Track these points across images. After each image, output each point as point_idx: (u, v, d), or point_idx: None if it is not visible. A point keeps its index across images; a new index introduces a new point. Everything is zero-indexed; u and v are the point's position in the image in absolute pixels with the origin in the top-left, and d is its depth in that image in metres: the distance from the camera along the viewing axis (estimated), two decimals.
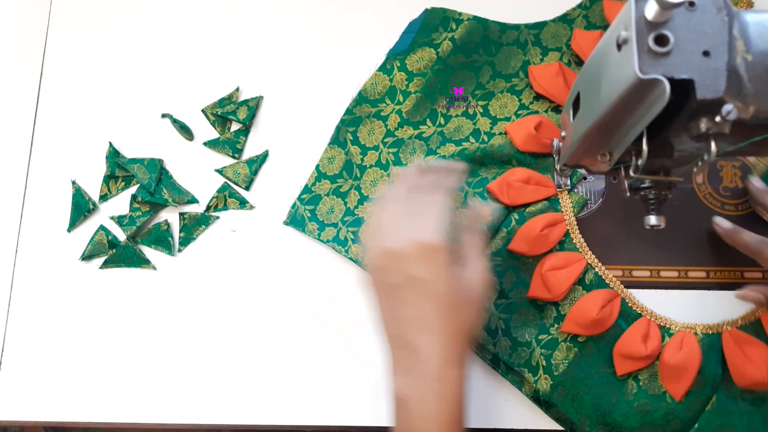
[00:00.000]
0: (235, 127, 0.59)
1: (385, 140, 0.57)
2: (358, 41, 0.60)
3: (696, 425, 0.50)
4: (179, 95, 0.60)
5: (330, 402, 0.53)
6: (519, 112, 0.57)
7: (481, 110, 0.57)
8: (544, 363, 0.51)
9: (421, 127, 0.57)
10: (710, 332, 0.52)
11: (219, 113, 0.58)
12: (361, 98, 0.57)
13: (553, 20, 0.58)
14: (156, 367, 0.54)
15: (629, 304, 0.52)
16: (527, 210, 0.54)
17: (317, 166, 0.57)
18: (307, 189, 0.57)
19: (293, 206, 0.56)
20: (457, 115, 0.57)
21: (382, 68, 0.58)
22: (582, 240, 0.54)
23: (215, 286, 0.55)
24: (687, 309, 0.53)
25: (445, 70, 0.57)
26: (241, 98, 0.59)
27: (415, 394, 0.40)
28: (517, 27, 0.58)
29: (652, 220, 0.44)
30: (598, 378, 0.51)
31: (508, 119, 0.57)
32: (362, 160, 0.57)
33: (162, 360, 0.54)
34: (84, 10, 0.62)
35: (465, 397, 0.40)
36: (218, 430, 0.54)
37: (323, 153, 0.57)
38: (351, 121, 0.57)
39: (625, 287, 0.53)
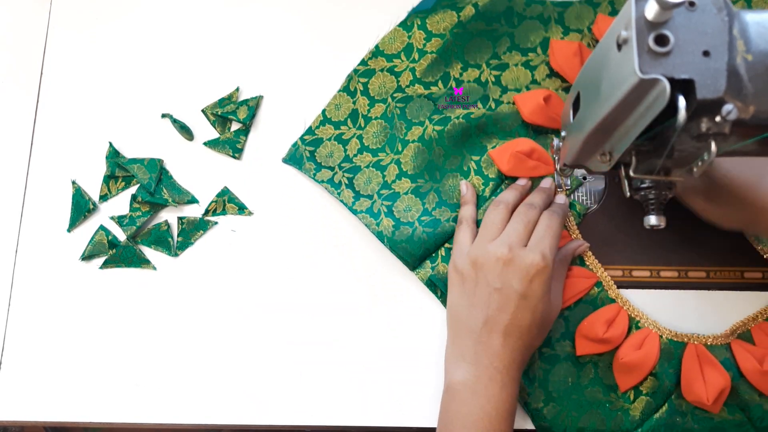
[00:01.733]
0: (235, 126, 0.59)
1: (395, 95, 0.57)
2: (358, 40, 0.59)
3: (640, 430, 0.50)
4: (179, 95, 0.60)
5: (330, 402, 0.53)
6: (530, 86, 0.57)
7: (493, 79, 0.57)
8: None
9: (431, 87, 0.57)
10: (677, 340, 0.51)
11: (219, 113, 0.58)
12: (377, 51, 0.58)
13: (580, 1, 0.58)
14: (156, 367, 0.54)
15: (606, 289, 0.53)
16: None
17: (323, 111, 0.58)
18: (310, 131, 0.57)
19: (294, 145, 0.57)
20: (468, 81, 0.57)
21: (402, 24, 0.58)
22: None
23: (215, 286, 0.55)
24: (687, 309, 0.53)
25: (464, 35, 0.57)
26: (241, 98, 0.59)
27: (478, 381, 0.45)
28: (542, 2, 0.58)
29: (652, 220, 0.44)
30: (561, 356, 0.52)
31: (518, 90, 0.57)
32: (368, 111, 0.57)
33: (162, 360, 0.54)
34: (84, 10, 0.62)
35: (516, 402, 0.47)
36: (218, 430, 0.54)
37: (331, 99, 0.58)
38: (364, 72, 0.58)
39: (625, 288, 0.53)
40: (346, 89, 0.58)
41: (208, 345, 0.54)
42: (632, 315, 0.52)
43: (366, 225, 0.54)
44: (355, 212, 0.55)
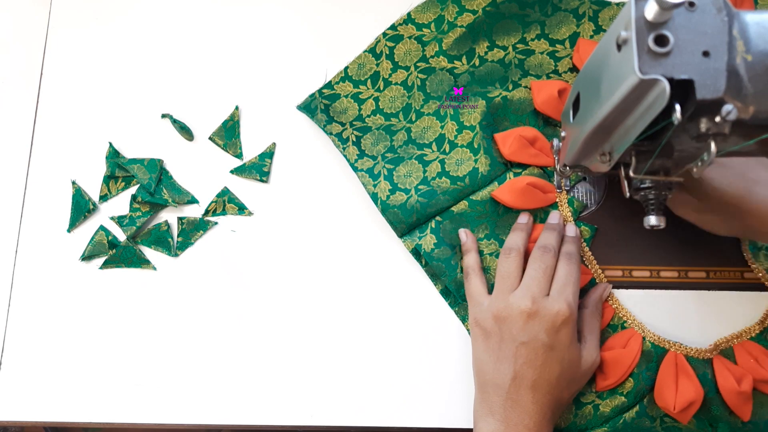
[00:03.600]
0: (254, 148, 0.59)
1: (418, 64, 0.58)
2: (358, 46, 0.59)
3: (606, 426, 0.50)
4: (179, 95, 0.60)
5: (330, 402, 0.53)
6: (550, 75, 0.57)
7: (517, 62, 0.58)
8: None
9: (455, 62, 0.58)
10: (659, 345, 0.52)
11: (224, 137, 0.58)
12: (409, 18, 0.58)
13: (618, 3, 0.58)
14: (156, 367, 0.54)
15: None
16: (523, 172, 0.55)
17: (345, 68, 0.58)
18: (329, 85, 0.58)
19: (311, 96, 0.58)
20: (492, 61, 0.58)
21: None
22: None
23: (215, 286, 0.55)
24: (686, 309, 0.53)
25: (496, 15, 0.58)
26: (242, 115, 0.59)
27: None
28: None
29: (652, 220, 0.44)
30: None
31: (538, 77, 0.57)
32: (390, 75, 0.58)
33: (162, 360, 0.54)
34: (84, 10, 0.62)
35: None
36: (218, 430, 0.54)
37: (355, 58, 0.58)
38: (392, 37, 0.58)
39: (624, 288, 0.53)
40: (372, 50, 0.58)
41: (208, 345, 0.54)
42: (620, 315, 0.52)
43: (363, 184, 0.55)
44: (355, 170, 0.56)
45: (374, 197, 0.54)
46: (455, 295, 0.53)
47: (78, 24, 0.62)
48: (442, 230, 0.54)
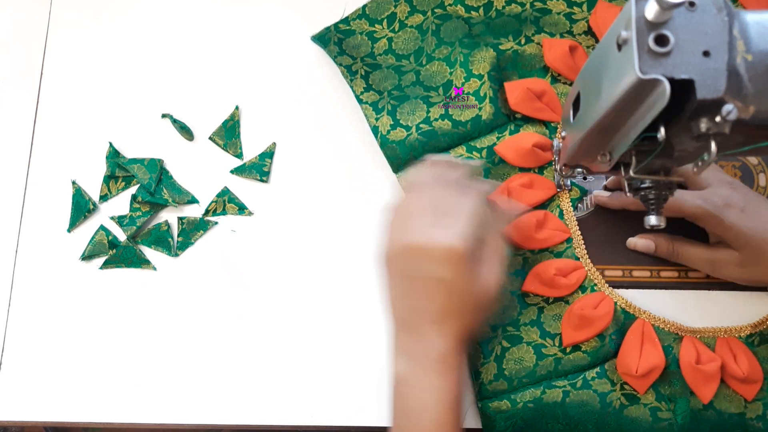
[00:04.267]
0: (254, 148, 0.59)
1: (435, 10, 0.59)
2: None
3: (566, 379, 0.51)
4: (179, 95, 0.60)
5: (330, 402, 0.53)
6: (564, 35, 0.58)
7: (533, 18, 0.58)
8: None
9: (472, 12, 0.59)
10: (629, 311, 0.52)
11: (224, 136, 0.58)
12: None
13: None
14: (156, 367, 0.54)
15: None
16: (524, 126, 0.56)
17: (363, 6, 0.59)
18: (346, 21, 0.59)
19: (327, 29, 0.59)
20: (508, 15, 0.58)
21: None
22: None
23: (215, 286, 0.55)
24: (686, 309, 0.53)
25: None
26: (242, 115, 0.59)
27: (416, 373, 0.43)
28: None
29: (652, 220, 0.44)
30: (509, 289, 0.53)
31: (551, 35, 0.58)
32: (406, 18, 0.59)
33: (162, 360, 0.54)
34: (84, 10, 0.62)
35: (462, 387, 0.44)
36: (218, 430, 0.54)
37: None
38: None
39: (625, 288, 0.53)
40: None
41: (208, 345, 0.54)
42: (591, 277, 0.53)
43: (365, 116, 0.57)
44: (360, 101, 0.57)
45: (374, 130, 0.56)
46: None
47: (78, 24, 0.62)
48: None
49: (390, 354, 0.46)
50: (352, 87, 0.57)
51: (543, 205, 0.55)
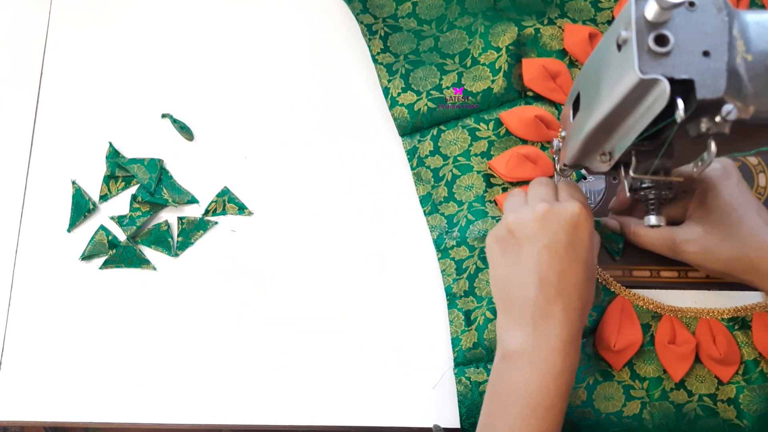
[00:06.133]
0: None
1: None
2: (358, 43, 0.59)
3: None
4: (179, 95, 0.60)
5: (330, 402, 0.53)
6: (586, 22, 0.58)
7: (558, 1, 0.59)
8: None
9: None
10: (609, 288, 0.52)
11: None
12: None
13: None
14: (156, 367, 0.54)
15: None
16: (534, 104, 0.57)
17: None
18: None
19: None
20: None
21: None
22: None
23: (215, 286, 0.55)
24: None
25: None
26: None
27: (539, 351, 0.41)
28: None
29: (652, 220, 0.44)
30: None
31: (574, 21, 0.58)
32: None
33: (162, 360, 0.54)
34: (84, 10, 0.62)
35: (574, 375, 0.42)
36: (218, 430, 0.54)
37: None
38: None
39: (624, 287, 0.53)
40: None
41: (208, 345, 0.54)
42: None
43: (378, 77, 0.58)
44: (375, 62, 0.58)
45: (386, 91, 0.57)
46: (433, 204, 0.55)
47: (78, 24, 0.62)
48: (440, 140, 0.56)
49: (498, 329, 0.44)
50: (369, 46, 0.58)
51: None
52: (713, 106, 0.33)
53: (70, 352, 0.54)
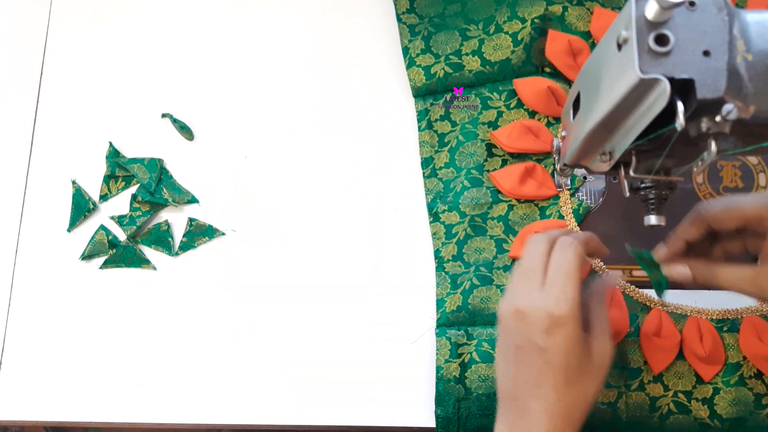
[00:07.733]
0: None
1: None
2: (358, 43, 0.59)
3: None
4: (179, 95, 0.60)
5: (330, 402, 0.53)
6: (615, 9, 0.58)
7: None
8: None
9: None
10: (596, 271, 0.53)
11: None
12: None
13: None
14: (156, 367, 0.54)
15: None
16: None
17: None
18: None
19: None
20: None
21: None
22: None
23: (215, 286, 0.55)
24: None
25: None
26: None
27: None
28: None
29: (652, 219, 0.44)
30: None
31: (603, 6, 0.58)
32: None
33: (162, 360, 0.54)
34: (84, 10, 0.62)
35: None
36: (218, 430, 0.54)
37: None
38: None
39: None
40: None
41: (208, 345, 0.54)
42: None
43: (400, 35, 0.58)
44: (399, 20, 0.59)
45: (405, 50, 0.58)
46: (432, 169, 0.56)
47: (78, 24, 0.62)
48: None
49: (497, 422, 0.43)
50: (395, 3, 0.58)
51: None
52: (713, 106, 0.33)
53: (70, 352, 0.54)
